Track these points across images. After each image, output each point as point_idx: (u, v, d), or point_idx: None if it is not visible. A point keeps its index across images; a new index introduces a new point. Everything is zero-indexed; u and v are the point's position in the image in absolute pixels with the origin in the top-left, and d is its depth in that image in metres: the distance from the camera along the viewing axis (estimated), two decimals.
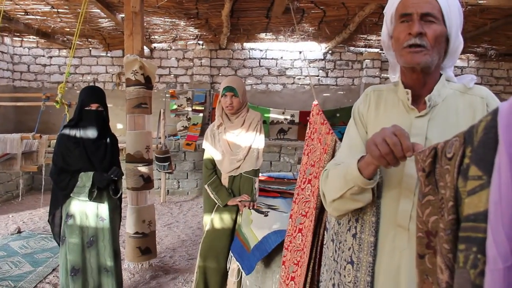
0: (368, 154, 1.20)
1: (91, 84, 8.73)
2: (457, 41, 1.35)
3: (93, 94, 3.09)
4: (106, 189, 3.14)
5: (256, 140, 3.21)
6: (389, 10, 1.41)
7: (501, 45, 7.83)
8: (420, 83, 1.35)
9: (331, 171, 1.42)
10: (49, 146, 6.49)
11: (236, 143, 3.19)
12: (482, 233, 0.75)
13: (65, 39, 8.11)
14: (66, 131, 3.05)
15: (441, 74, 1.38)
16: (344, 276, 1.47)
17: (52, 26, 7.01)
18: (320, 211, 2.01)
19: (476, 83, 1.39)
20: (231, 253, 2.99)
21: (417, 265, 1.05)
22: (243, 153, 3.17)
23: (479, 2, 4.56)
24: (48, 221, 3.22)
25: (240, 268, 2.76)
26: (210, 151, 3.22)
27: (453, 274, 0.84)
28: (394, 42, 1.37)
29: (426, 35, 1.27)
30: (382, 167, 1.32)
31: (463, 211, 0.84)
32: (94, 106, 3.04)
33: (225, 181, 3.22)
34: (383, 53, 8.68)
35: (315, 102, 2.26)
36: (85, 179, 2.99)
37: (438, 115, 1.32)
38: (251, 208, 3.06)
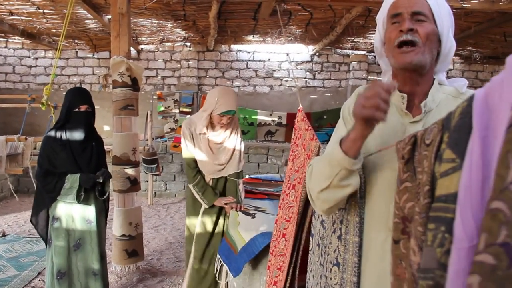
0: (353, 130, 1.21)
1: (78, 85, 8.66)
2: (449, 42, 1.33)
3: (82, 95, 3.07)
4: (93, 191, 3.11)
5: (237, 143, 3.23)
6: (381, 16, 1.41)
7: (485, 48, 7.94)
8: (412, 83, 1.33)
9: (315, 164, 1.41)
10: (34, 148, 6.42)
11: (219, 148, 3.19)
12: (451, 214, 0.77)
13: (51, 40, 8.04)
14: (52, 133, 3.00)
15: (434, 79, 1.38)
16: (330, 278, 1.48)
17: (38, 27, 6.95)
18: (302, 216, 2.03)
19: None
20: (218, 255, 2.99)
21: (392, 251, 1.06)
22: (225, 158, 3.19)
23: (464, 5, 4.62)
24: (31, 221, 3.14)
25: (228, 270, 2.76)
26: (191, 149, 3.18)
27: None
28: (386, 43, 1.36)
29: (418, 32, 1.26)
30: (367, 167, 1.32)
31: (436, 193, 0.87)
32: (83, 108, 3.02)
33: (208, 183, 3.24)
34: (370, 55, 8.78)
35: (300, 108, 2.27)
36: (72, 181, 2.95)
37: (432, 120, 1.27)
38: (237, 210, 3.07)
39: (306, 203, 1.99)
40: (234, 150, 3.22)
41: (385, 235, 1.29)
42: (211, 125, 3.15)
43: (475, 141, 0.75)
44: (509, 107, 0.61)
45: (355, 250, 1.36)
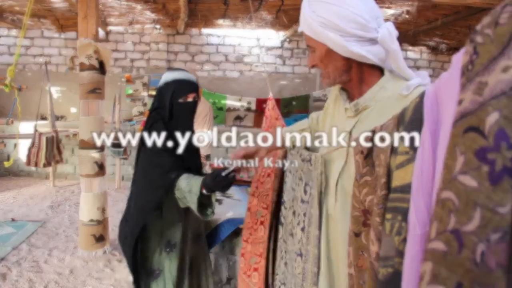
0: None
1: (43, 66, 8.42)
2: (348, 47, 1.25)
3: (192, 82, 2.28)
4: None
5: (204, 130, 3.36)
6: None
7: (451, 40, 8.13)
8: (351, 89, 1.41)
9: None
10: None
11: None
12: (407, 203, 0.82)
13: (15, 18, 7.77)
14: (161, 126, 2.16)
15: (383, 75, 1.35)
16: (295, 268, 1.55)
17: (0, 4, 6.71)
18: (276, 204, 2.07)
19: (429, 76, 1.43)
20: None
21: (351, 243, 1.12)
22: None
23: None
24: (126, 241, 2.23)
25: None
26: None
27: None
28: None
29: (317, 64, 1.39)
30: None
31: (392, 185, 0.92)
32: (191, 97, 2.25)
33: None
34: None
35: (270, 96, 2.30)
36: (193, 182, 1.99)
37: (369, 117, 1.31)
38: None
39: (279, 192, 2.03)
40: (198, 134, 3.38)
41: (333, 199, 1.38)
42: None
43: (426, 135, 0.80)
44: (455, 102, 0.65)
45: (315, 243, 1.44)
